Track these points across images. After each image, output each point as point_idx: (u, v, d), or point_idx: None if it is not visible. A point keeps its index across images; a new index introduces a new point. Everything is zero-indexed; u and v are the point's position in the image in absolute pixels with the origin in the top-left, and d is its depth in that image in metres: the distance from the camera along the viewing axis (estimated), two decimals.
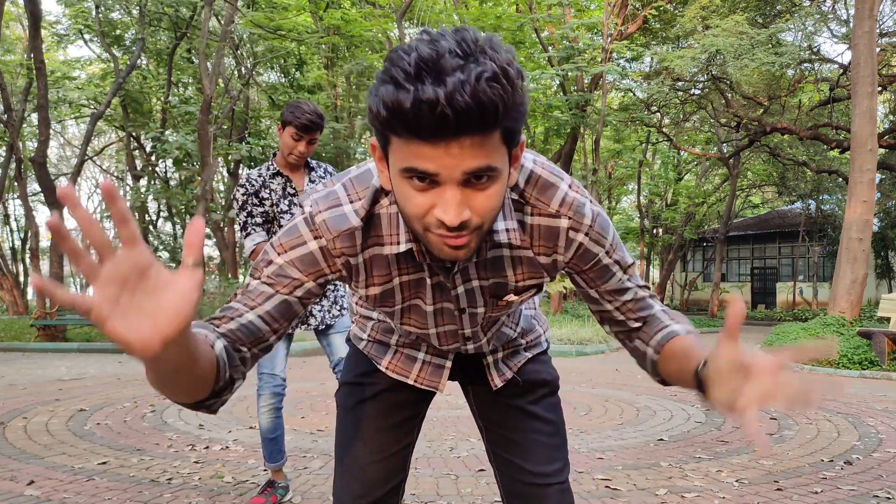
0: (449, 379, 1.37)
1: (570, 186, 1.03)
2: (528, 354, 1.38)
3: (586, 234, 1.03)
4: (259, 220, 2.85)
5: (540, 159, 1.05)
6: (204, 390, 0.93)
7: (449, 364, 1.34)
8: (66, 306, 0.69)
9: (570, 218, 1.02)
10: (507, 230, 1.01)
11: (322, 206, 1.04)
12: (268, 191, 2.86)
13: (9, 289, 17.47)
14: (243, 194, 2.85)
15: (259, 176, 2.88)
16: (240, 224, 2.87)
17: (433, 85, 0.78)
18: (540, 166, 1.03)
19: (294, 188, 2.89)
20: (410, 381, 1.34)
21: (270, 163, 2.92)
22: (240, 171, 23.30)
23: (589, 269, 1.07)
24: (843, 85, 15.25)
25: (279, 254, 1.04)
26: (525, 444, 1.27)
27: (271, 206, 2.85)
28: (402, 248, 1.01)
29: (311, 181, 2.95)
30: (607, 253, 1.06)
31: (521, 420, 1.34)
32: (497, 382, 1.35)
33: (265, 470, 3.31)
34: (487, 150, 0.83)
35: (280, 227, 2.86)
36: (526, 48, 16.50)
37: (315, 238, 1.03)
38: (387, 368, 1.35)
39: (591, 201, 1.04)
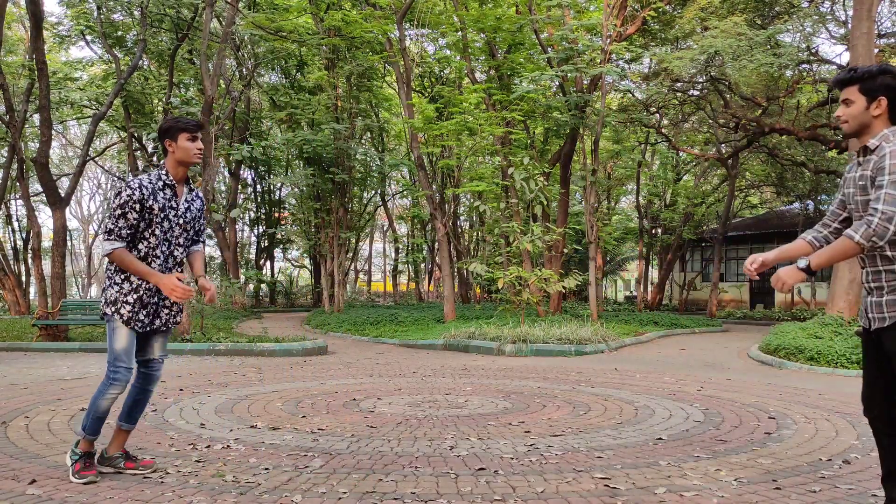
0: None
1: None
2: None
3: None
4: (127, 231, 2.99)
5: None
6: None
7: None
8: None
9: None
10: None
11: None
12: (152, 200, 3.02)
13: (11, 288, 17.49)
14: (129, 197, 2.97)
15: (150, 184, 3.03)
16: (106, 227, 2.99)
17: None
18: None
19: (175, 204, 3.09)
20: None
21: (163, 173, 3.07)
22: (241, 172, 23.37)
23: None
24: None
25: None
26: None
27: (152, 215, 3.02)
28: None
29: (187, 201, 3.16)
30: None
31: None
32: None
33: (267, 469, 3.34)
34: None
35: (145, 239, 3.02)
36: (525, 49, 16.52)
37: None
38: None
39: None
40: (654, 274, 28.80)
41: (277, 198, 27.35)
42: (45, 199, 16.16)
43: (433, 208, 16.39)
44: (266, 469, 3.33)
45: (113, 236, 2.98)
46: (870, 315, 2.37)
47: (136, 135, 20.53)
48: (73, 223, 33.25)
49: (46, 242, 19.16)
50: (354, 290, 33.57)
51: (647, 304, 23.98)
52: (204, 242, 3.37)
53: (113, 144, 26.72)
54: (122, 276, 3.09)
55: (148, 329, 3.14)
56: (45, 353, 9.81)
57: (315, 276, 27.91)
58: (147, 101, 21.12)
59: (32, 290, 21.50)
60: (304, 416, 4.73)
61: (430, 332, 12.67)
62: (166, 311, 3.19)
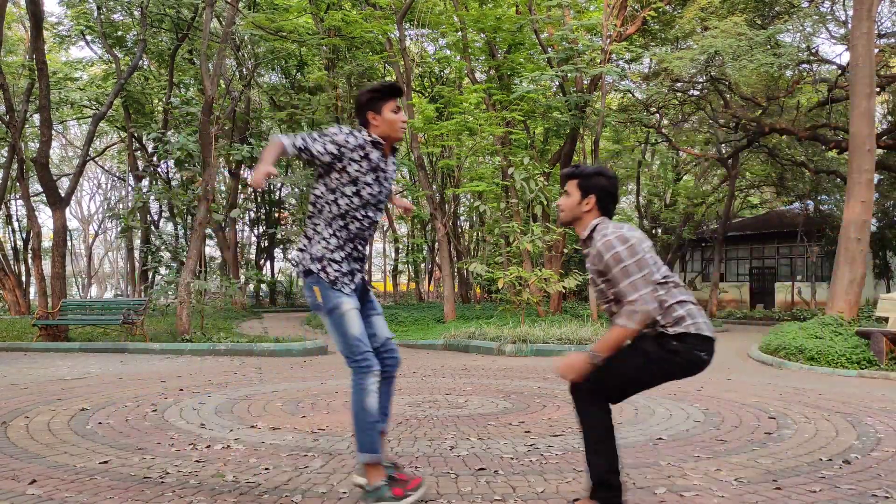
0: None
1: None
2: None
3: None
4: (311, 143, 2.65)
5: None
6: None
7: None
8: None
9: None
10: None
11: None
12: (361, 155, 2.71)
13: (11, 288, 17.49)
14: (338, 137, 2.68)
15: (364, 141, 2.72)
16: (311, 142, 2.65)
17: None
18: None
19: (385, 166, 2.79)
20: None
21: (370, 135, 2.76)
22: (241, 172, 23.36)
23: None
24: (842, 86, 15.29)
25: None
26: None
27: (357, 171, 2.71)
28: None
29: (394, 164, 2.89)
30: None
31: None
32: None
33: (267, 469, 3.33)
34: None
35: (359, 195, 2.72)
36: (525, 49, 16.52)
37: None
38: None
39: None
40: None
41: (277, 198, 27.35)
42: (45, 199, 16.18)
43: (433, 208, 16.39)
44: (266, 469, 3.33)
45: (298, 136, 2.63)
46: None
47: (136, 135, 20.54)
48: (73, 223, 33.27)
49: (46, 242, 19.16)
50: None
51: None
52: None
53: (113, 144, 26.73)
54: (330, 231, 2.76)
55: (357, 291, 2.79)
56: (45, 353, 9.81)
57: None
58: (147, 101, 21.13)
59: (32, 290, 21.50)
60: (304, 416, 4.72)
61: (430, 332, 12.67)
62: (359, 273, 2.85)
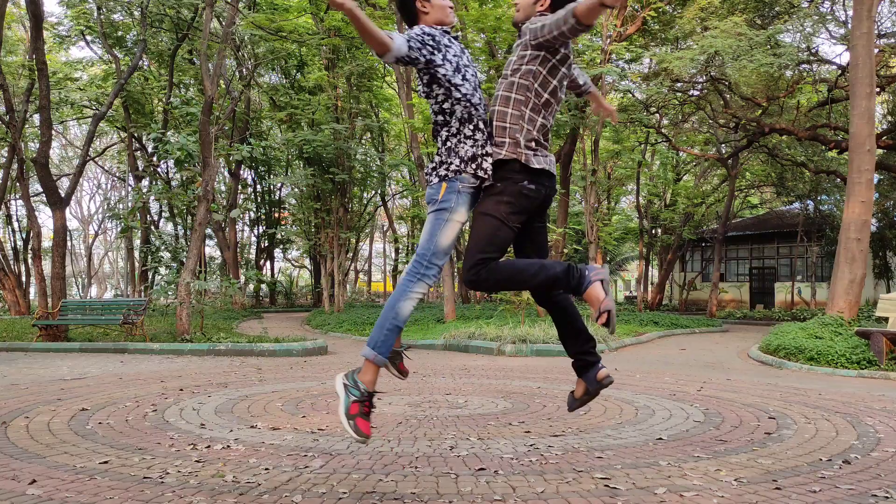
0: None
1: None
2: None
3: None
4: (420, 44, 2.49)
5: None
6: None
7: None
8: None
9: None
10: None
11: None
12: (451, 49, 2.60)
13: (11, 289, 17.50)
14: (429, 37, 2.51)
15: (441, 33, 2.59)
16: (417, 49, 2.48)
17: None
18: None
19: (468, 62, 2.68)
20: None
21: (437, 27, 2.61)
22: (241, 172, 23.36)
23: None
24: (842, 86, 15.29)
25: None
26: None
27: (456, 65, 2.59)
28: None
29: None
30: None
31: None
32: None
33: (267, 469, 3.33)
34: None
35: (466, 80, 2.58)
36: None
37: None
38: None
39: None
40: (654, 274, 28.81)
41: (277, 198, 27.36)
42: (45, 199, 16.17)
43: None
44: (266, 469, 3.33)
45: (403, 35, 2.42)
46: None
47: (136, 135, 20.54)
48: (73, 223, 33.29)
49: (46, 243, 19.17)
50: (354, 291, 33.59)
51: (648, 304, 23.98)
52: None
53: (113, 144, 26.73)
54: (472, 127, 2.60)
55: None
56: (45, 353, 9.81)
57: (315, 276, 27.92)
58: (147, 101, 21.14)
59: (32, 290, 21.51)
60: (304, 416, 4.72)
61: (430, 332, 12.68)
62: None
